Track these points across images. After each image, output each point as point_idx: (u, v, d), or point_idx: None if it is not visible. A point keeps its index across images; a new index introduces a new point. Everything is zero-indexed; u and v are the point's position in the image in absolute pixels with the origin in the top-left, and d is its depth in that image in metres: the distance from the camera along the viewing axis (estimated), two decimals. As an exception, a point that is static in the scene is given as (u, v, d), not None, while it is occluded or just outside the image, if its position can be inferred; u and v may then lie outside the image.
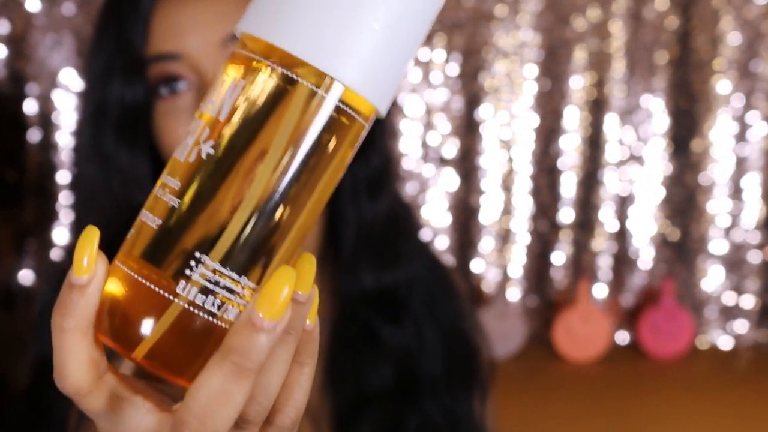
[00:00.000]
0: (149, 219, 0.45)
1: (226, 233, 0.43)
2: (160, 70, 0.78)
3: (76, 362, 0.41)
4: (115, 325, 0.43)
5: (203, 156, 0.43)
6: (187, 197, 0.43)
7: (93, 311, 0.42)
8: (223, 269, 0.43)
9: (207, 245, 0.43)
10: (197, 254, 0.43)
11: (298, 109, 0.43)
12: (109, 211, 0.82)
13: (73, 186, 0.80)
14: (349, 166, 0.87)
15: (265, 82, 0.43)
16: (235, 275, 0.43)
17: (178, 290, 0.43)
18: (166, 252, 0.43)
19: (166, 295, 0.42)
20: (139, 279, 0.43)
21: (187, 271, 0.43)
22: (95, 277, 0.42)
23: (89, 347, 0.42)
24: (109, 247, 0.80)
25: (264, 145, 0.43)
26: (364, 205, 0.87)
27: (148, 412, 0.42)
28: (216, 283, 0.42)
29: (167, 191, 0.44)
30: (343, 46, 0.42)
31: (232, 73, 0.44)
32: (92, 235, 0.43)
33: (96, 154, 0.81)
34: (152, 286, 0.43)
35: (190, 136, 0.44)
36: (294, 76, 0.43)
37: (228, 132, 0.43)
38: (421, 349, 0.88)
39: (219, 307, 0.43)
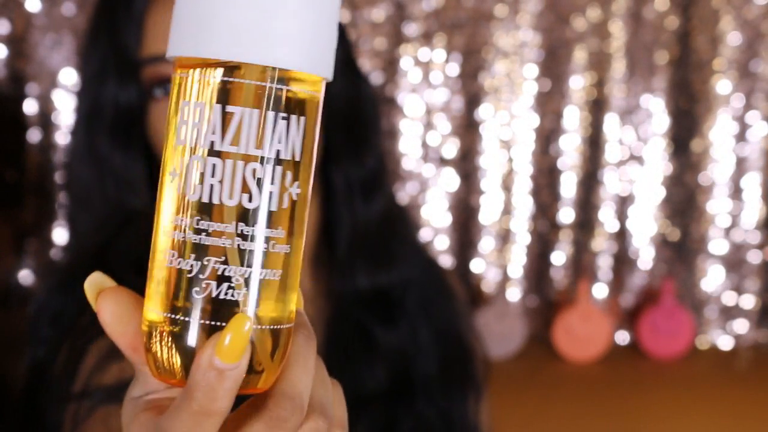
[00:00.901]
0: (271, 275, 0.45)
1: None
2: (154, 72, 0.78)
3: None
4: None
5: (294, 198, 0.45)
6: (295, 240, 0.46)
7: (236, 391, 0.42)
8: None
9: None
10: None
11: (315, 118, 0.46)
12: (102, 213, 0.82)
13: (66, 187, 0.80)
14: (343, 166, 0.87)
15: (309, 109, 0.46)
16: None
17: None
18: (292, 298, 0.46)
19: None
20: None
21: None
22: (244, 362, 0.41)
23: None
24: (103, 249, 0.80)
25: (310, 160, 0.47)
26: (358, 206, 0.87)
27: None
28: None
29: (276, 242, 0.45)
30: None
31: (273, 109, 0.45)
32: (246, 321, 0.42)
33: (90, 156, 0.81)
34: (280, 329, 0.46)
35: (269, 185, 0.45)
36: (313, 92, 0.46)
37: (304, 168, 0.46)
38: (415, 350, 0.88)
39: None
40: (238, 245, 0.44)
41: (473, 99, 2.55)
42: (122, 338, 0.44)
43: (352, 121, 0.88)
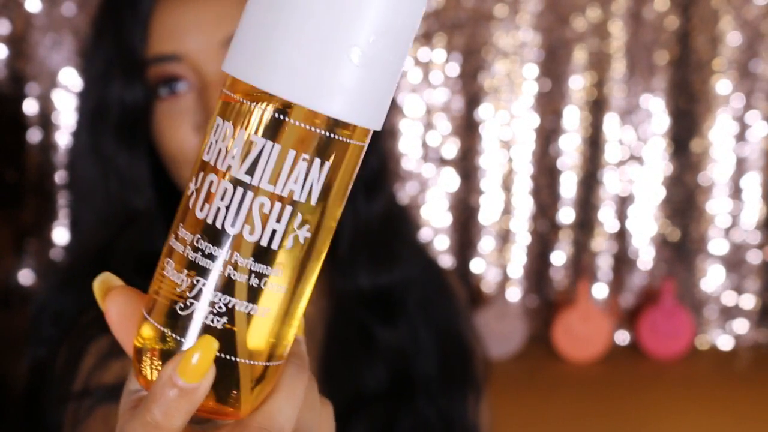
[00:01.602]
0: (258, 311, 0.44)
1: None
2: (160, 72, 0.78)
3: None
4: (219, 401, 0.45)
5: (301, 242, 0.44)
6: (295, 282, 0.45)
7: (192, 413, 0.42)
8: None
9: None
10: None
11: (349, 164, 0.45)
12: (105, 212, 0.82)
13: (69, 186, 0.80)
14: None
15: (341, 154, 0.44)
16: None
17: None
18: (283, 338, 0.46)
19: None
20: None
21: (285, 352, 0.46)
22: (204, 385, 0.42)
23: None
24: (105, 248, 0.81)
25: (332, 206, 0.45)
26: (360, 205, 0.87)
27: None
28: None
29: (269, 280, 0.44)
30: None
31: (287, 145, 0.43)
32: (212, 345, 0.42)
33: (94, 155, 0.81)
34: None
35: (274, 223, 0.44)
36: (345, 140, 0.45)
37: (319, 213, 0.44)
38: (415, 349, 0.88)
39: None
40: (229, 274, 0.43)
41: (473, 99, 2.55)
42: (128, 338, 0.44)
43: None
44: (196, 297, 0.43)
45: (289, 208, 0.43)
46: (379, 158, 0.89)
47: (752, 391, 2.40)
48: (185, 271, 0.44)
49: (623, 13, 2.58)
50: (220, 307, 0.43)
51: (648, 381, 2.47)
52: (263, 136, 0.43)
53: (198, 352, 0.41)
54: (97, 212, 0.83)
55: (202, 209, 0.44)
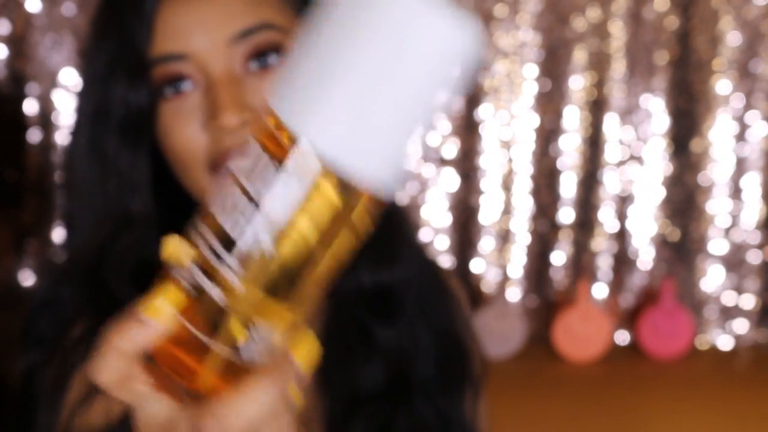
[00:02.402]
0: (222, 301, 0.48)
1: None
2: (165, 71, 0.78)
3: (110, 371, 0.47)
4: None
5: (267, 256, 0.47)
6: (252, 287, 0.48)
7: (145, 344, 0.47)
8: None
9: None
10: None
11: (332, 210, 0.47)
12: (101, 213, 0.82)
13: (65, 185, 0.80)
14: None
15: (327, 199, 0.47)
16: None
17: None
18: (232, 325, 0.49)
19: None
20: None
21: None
22: (159, 325, 0.47)
23: (127, 365, 0.48)
24: (100, 248, 0.81)
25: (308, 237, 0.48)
26: None
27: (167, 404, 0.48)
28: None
29: (237, 277, 0.48)
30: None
31: (292, 173, 0.46)
32: (175, 295, 0.47)
33: (94, 155, 0.81)
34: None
35: (251, 229, 0.47)
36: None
37: (289, 236, 0.47)
38: (414, 349, 0.88)
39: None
40: (210, 259, 0.47)
41: (473, 99, 2.55)
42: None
43: None
44: (187, 273, 0.48)
45: (264, 222, 0.47)
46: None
47: (752, 391, 2.41)
48: (190, 251, 0.48)
49: (623, 13, 2.59)
50: (201, 287, 0.48)
51: (648, 381, 2.48)
52: (272, 155, 0.46)
53: (159, 297, 0.47)
54: (94, 213, 0.82)
55: (213, 199, 0.49)
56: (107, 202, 0.80)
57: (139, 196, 0.79)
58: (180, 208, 0.76)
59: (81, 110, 0.81)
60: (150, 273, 0.76)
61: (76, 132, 0.81)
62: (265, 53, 0.76)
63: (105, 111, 0.79)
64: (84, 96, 0.81)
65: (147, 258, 0.79)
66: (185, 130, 0.77)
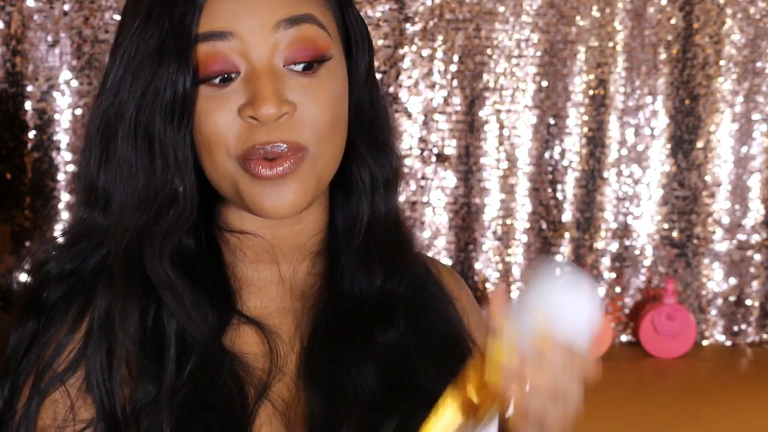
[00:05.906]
0: None
1: None
2: (208, 50, 0.79)
3: None
4: None
5: None
6: None
7: None
8: None
9: None
10: None
11: None
12: (145, 192, 0.82)
13: (104, 167, 0.81)
14: (368, 166, 0.89)
15: None
16: None
17: None
18: None
19: None
20: None
21: None
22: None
23: None
24: (143, 228, 0.82)
25: None
26: (378, 203, 0.88)
27: None
28: None
29: None
30: None
31: None
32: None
33: (141, 136, 0.82)
34: None
35: None
36: None
37: None
38: (413, 350, 0.89)
39: None
40: None
41: (473, 99, 2.55)
42: None
43: (374, 122, 0.89)
44: None
45: None
46: (397, 158, 0.90)
47: (753, 391, 2.40)
48: None
49: (625, 12, 2.58)
50: None
51: (649, 381, 2.48)
52: None
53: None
54: (136, 192, 0.83)
55: None
56: (153, 182, 0.81)
57: (185, 176, 0.81)
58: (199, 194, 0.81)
59: (126, 92, 0.82)
60: (185, 253, 0.74)
61: (118, 113, 0.82)
62: (308, 60, 0.79)
63: (154, 92, 0.81)
64: (130, 77, 0.82)
65: (182, 240, 0.81)
66: (220, 114, 0.79)
